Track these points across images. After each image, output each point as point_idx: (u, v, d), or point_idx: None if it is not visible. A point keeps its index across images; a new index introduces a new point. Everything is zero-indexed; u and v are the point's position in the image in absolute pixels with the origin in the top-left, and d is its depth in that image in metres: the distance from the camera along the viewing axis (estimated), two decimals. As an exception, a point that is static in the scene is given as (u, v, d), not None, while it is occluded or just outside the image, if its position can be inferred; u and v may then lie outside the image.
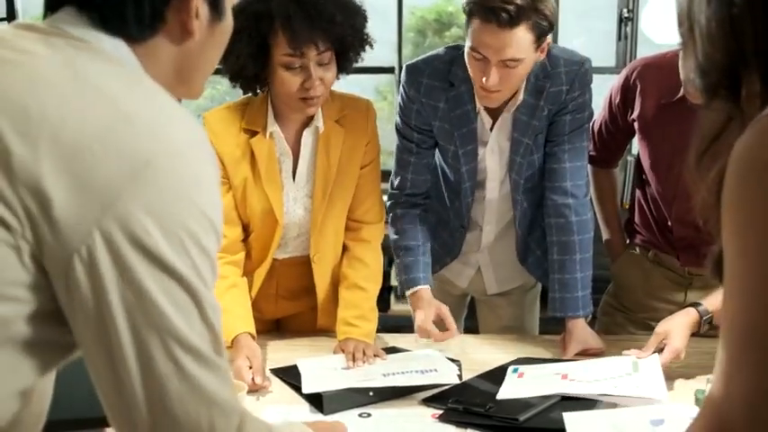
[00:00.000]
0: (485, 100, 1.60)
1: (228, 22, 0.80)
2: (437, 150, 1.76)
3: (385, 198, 1.79)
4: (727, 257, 0.65)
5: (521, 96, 1.64)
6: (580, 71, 1.64)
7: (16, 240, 0.61)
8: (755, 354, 0.60)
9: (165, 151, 0.64)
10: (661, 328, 1.55)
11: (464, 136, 1.68)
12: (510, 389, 1.42)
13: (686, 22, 0.78)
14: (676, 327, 1.53)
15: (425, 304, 1.67)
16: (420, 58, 1.73)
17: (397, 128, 1.76)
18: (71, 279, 0.62)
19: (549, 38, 1.57)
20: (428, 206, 1.80)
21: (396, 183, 1.78)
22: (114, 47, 0.71)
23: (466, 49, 1.55)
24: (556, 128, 1.68)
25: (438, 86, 1.66)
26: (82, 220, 0.61)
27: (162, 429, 0.66)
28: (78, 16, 0.71)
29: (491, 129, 1.68)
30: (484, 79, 1.52)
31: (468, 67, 1.56)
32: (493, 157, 1.72)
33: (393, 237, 1.79)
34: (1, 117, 0.62)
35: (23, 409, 0.69)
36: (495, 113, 1.67)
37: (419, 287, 1.71)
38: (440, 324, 1.66)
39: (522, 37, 1.48)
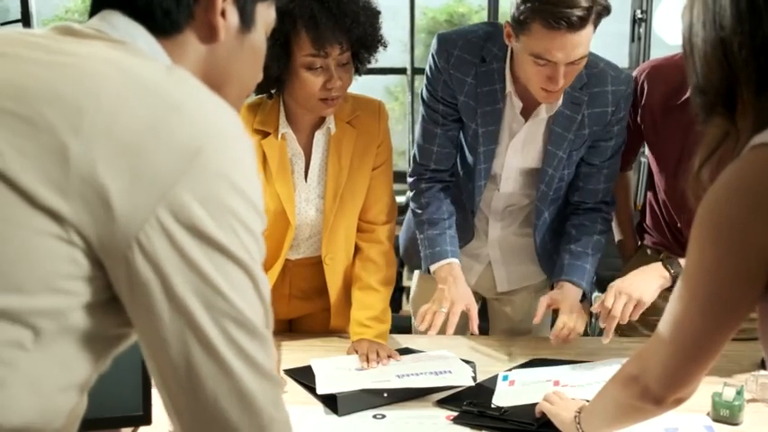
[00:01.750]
0: (548, 99, 1.53)
1: (258, 38, 0.82)
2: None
3: (401, 199, 1.78)
4: (690, 260, 0.85)
5: (560, 99, 1.57)
6: (627, 92, 1.61)
7: (69, 234, 0.63)
8: (680, 333, 0.89)
9: (213, 139, 0.66)
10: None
11: (487, 114, 1.62)
12: (503, 397, 1.41)
13: (688, 44, 0.83)
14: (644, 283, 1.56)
15: (456, 288, 1.57)
16: (456, 29, 1.68)
17: (422, 97, 1.69)
18: (132, 268, 0.64)
19: None
20: (452, 184, 1.73)
21: (420, 156, 1.71)
22: (148, 45, 0.74)
23: (521, 55, 1.48)
24: (597, 152, 1.65)
25: (468, 60, 1.60)
26: (138, 209, 0.63)
27: (222, 407, 0.68)
28: (115, 14, 0.75)
29: (523, 114, 1.61)
30: (550, 83, 1.46)
31: (525, 72, 1.50)
32: (514, 152, 1.66)
33: (416, 211, 1.71)
34: (56, 115, 0.63)
35: (78, 404, 0.71)
36: (528, 101, 1.60)
37: (448, 260, 1.62)
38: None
39: (588, 33, 1.43)
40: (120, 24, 0.74)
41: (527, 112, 1.62)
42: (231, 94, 0.81)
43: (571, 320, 1.59)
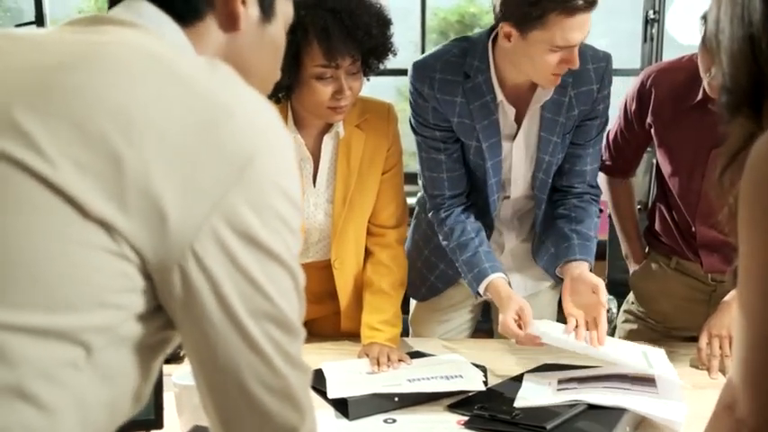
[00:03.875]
0: (552, 83, 1.52)
1: (278, 30, 0.82)
2: None
3: (412, 201, 1.77)
4: (740, 257, 0.71)
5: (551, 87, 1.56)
6: (607, 68, 1.61)
7: (121, 247, 0.62)
8: (762, 352, 0.68)
9: (263, 145, 0.66)
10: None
11: (486, 129, 1.60)
12: (528, 398, 1.40)
13: (714, 42, 0.81)
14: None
15: (504, 301, 1.55)
16: (427, 54, 1.65)
17: (414, 129, 1.67)
18: (186, 276, 0.64)
19: None
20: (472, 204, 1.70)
21: (431, 186, 1.68)
22: (175, 35, 0.73)
23: (532, 48, 1.45)
24: (583, 132, 1.65)
25: (452, 80, 1.58)
26: (192, 218, 0.63)
27: (265, 401, 0.70)
28: (139, 2, 0.73)
29: (516, 120, 1.61)
30: (565, 66, 1.46)
31: (538, 63, 1.47)
32: (519, 153, 1.65)
33: (443, 242, 1.69)
34: (106, 122, 0.61)
35: (134, 412, 0.73)
36: (518, 104, 1.60)
37: (489, 278, 1.59)
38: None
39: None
40: (146, 12, 0.73)
41: (519, 116, 1.62)
42: (254, 86, 0.80)
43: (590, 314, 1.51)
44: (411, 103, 1.65)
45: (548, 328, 1.53)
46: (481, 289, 1.61)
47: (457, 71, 1.59)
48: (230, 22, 0.76)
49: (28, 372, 0.60)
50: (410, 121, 1.69)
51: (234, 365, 0.68)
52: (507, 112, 1.61)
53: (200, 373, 0.70)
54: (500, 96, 1.59)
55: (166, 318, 0.68)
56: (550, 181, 1.68)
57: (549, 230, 1.73)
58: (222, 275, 0.65)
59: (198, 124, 0.63)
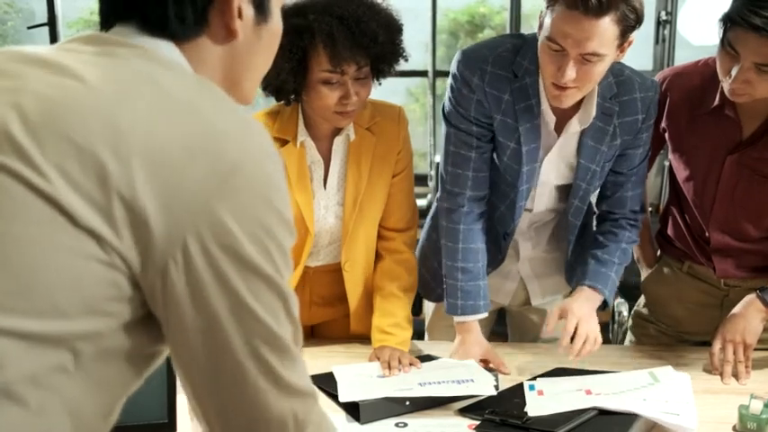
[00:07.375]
0: (556, 99, 1.46)
1: (276, 23, 0.82)
2: None
3: (422, 202, 1.76)
4: None
5: (593, 111, 1.52)
6: (654, 97, 1.57)
7: (111, 257, 0.63)
8: None
9: (248, 158, 0.66)
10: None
11: (528, 132, 1.53)
12: (535, 408, 1.39)
13: None
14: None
15: (473, 342, 1.61)
16: (480, 43, 1.59)
17: (449, 120, 1.58)
18: (167, 285, 0.65)
19: (633, 36, 1.42)
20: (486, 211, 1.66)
21: (453, 182, 1.61)
22: (169, 51, 0.73)
23: (540, 40, 1.41)
24: (626, 161, 1.62)
25: (503, 76, 1.52)
26: (174, 227, 0.63)
27: (255, 425, 0.70)
28: (129, 29, 0.74)
29: (555, 129, 1.55)
30: (558, 74, 1.39)
31: (540, 60, 1.43)
32: (549, 169, 1.60)
33: (448, 244, 1.64)
34: (93, 136, 0.63)
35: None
36: (560, 113, 1.54)
37: (476, 316, 1.62)
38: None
39: (606, 29, 1.35)
40: (139, 37, 0.73)
41: (559, 127, 1.57)
42: (250, 82, 0.81)
43: (583, 328, 1.52)
44: (453, 90, 1.56)
45: (551, 386, 1.49)
46: (460, 319, 1.63)
47: (507, 68, 1.53)
48: (227, 35, 0.76)
49: (15, 375, 0.61)
50: (443, 111, 1.61)
51: (217, 380, 0.68)
52: (548, 121, 1.55)
53: (189, 388, 0.70)
54: (544, 104, 1.53)
55: (159, 330, 0.68)
56: (585, 208, 1.66)
57: (578, 252, 1.73)
58: (205, 287, 0.65)
59: (182, 137, 0.64)
